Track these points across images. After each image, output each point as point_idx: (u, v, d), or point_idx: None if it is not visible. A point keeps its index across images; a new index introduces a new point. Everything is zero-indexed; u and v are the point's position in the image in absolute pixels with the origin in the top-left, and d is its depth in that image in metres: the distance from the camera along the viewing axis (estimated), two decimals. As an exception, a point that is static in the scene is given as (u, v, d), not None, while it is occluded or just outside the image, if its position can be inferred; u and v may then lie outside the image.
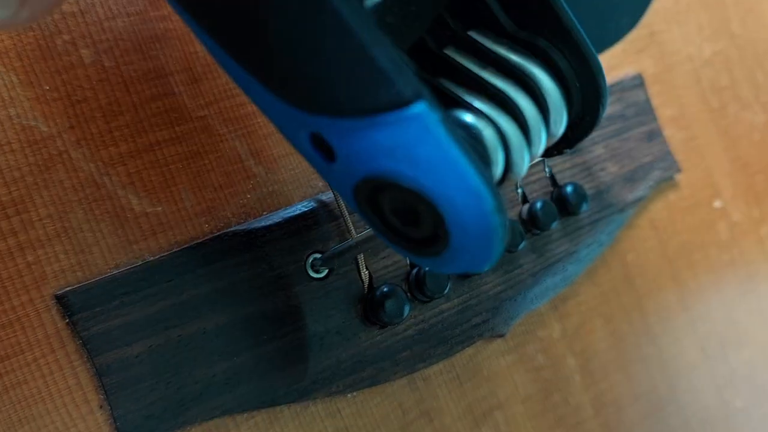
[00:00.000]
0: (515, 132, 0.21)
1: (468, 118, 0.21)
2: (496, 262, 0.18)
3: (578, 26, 0.22)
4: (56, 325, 0.25)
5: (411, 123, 0.16)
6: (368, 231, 0.26)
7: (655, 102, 0.40)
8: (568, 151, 0.24)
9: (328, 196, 0.29)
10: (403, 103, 0.16)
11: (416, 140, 0.16)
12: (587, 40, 0.22)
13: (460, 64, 0.22)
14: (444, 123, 0.16)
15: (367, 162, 0.17)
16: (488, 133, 0.20)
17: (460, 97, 0.21)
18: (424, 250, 0.19)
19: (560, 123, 0.22)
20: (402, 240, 0.19)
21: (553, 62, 0.22)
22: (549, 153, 0.24)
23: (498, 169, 0.21)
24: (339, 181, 0.19)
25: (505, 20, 0.22)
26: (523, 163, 0.21)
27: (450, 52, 0.22)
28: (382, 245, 0.29)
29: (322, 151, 0.19)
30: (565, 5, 0.22)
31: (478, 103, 0.21)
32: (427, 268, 0.27)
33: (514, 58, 0.22)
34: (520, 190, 0.33)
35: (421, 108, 0.16)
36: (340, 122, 0.17)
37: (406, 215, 0.18)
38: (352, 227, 0.28)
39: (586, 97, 0.22)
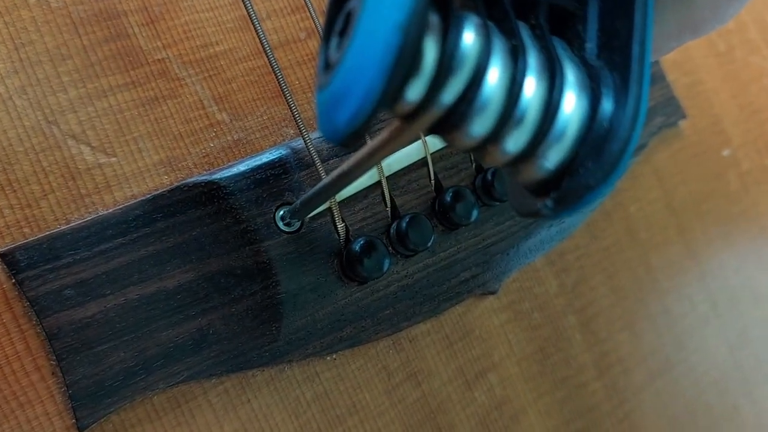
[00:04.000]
0: (498, 91, 0.17)
1: (470, 29, 0.17)
2: (370, 109, 0.15)
3: (645, 83, 0.18)
4: (2, 286, 0.23)
5: None
6: (338, 171, 0.23)
7: (658, 44, 0.38)
8: (551, 204, 0.18)
9: (298, 143, 0.26)
10: None
11: None
12: (645, 100, 0.18)
13: (514, 18, 0.18)
14: None
15: None
16: (470, 56, 0.17)
17: (483, 14, 0.18)
18: (324, 79, 0.16)
19: (558, 147, 0.18)
20: (324, 62, 0.17)
21: (598, 95, 0.18)
22: (529, 205, 0.19)
23: (448, 96, 0.17)
24: None
25: (592, 48, 0.19)
26: (480, 129, 0.17)
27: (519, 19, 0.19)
28: (359, 196, 0.27)
29: None
30: (647, 59, 0.18)
31: (495, 37, 0.18)
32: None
33: (564, 60, 0.18)
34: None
35: None
36: None
37: (345, 26, 0.17)
38: (324, 175, 0.26)
39: (605, 142, 0.17)
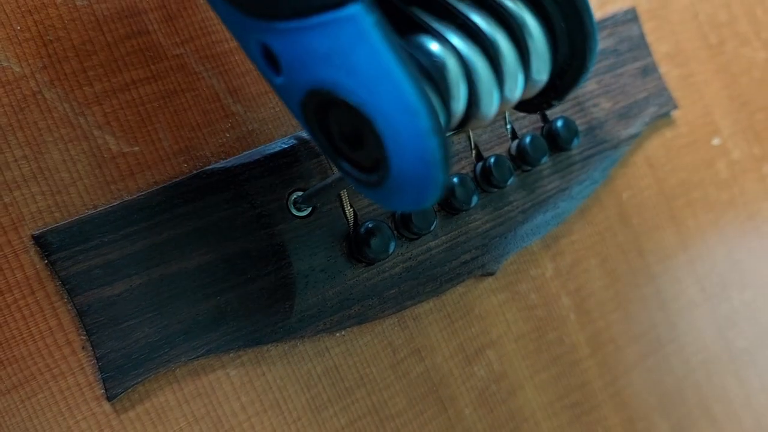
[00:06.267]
0: (484, 67, 0.20)
1: (432, 45, 0.20)
2: (439, 195, 0.17)
3: None
4: (35, 267, 0.25)
5: (345, 25, 0.16)
6: None
7: (651, 38, 0.39)
8: (556, 102, 0.22)
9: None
10: (338, 3, 0.16)
11: (351, 44, 0.16)
12: None
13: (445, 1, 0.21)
14: (380, 27, 0.16)
15: (308, 71, 0.17)
16: (451, 64, 0.19)
17: (428, 24, 0.20)
18: (370, 179, 0.18)
19: (543, 67, 0.21)
20: (352, 167, 0.19)
21: (537, 1, 0.21)
22: (537, 105, 0.23)
23: (459, 105, 0.20)
24: (289, 97, 0.19)
25: None
26: (491, 103, 0.20)
27: None
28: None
29: (269, 63, 0.18)
30: None
31: (447, 33, 0.20)
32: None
33: None
34: (509, 126, 0.32)
35: (355, 9, 0.16)
36: (279, 26, 0.17)
37: (352, 137, 0.18)
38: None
39: (573, 39, 0.21)
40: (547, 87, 0.22)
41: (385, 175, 0.17)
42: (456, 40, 0.20)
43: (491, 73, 0.20)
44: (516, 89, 0.21)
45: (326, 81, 0.17)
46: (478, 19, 0.20)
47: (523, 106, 0.23)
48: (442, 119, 0.19)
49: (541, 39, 0.21)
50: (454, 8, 0.20)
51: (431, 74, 0.19)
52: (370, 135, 0.17)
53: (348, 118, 0.18)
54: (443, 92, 0.19)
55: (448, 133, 0.30)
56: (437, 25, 0.20)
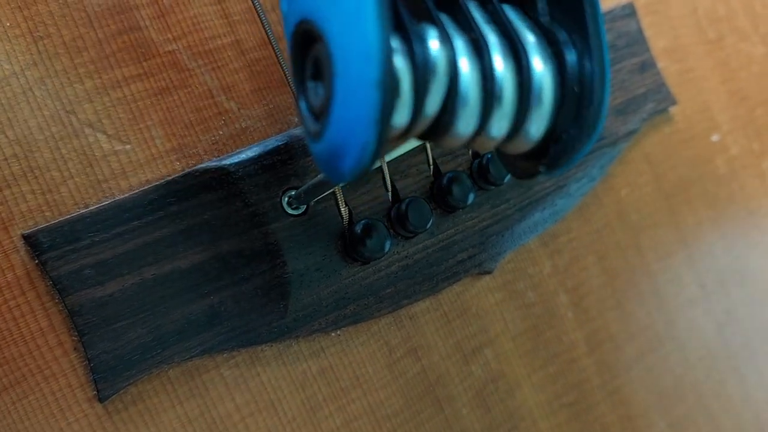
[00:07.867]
0: (473, 81, 0.19)
1: (432, 36, 0.19)
2: (367, 162, 0.17)
3: (602, 33, 0.19)
4: (26, 267, 0.24)
5: None
6: None
7: (649, 33, 0.39)
8: (544, 170, 0.20)
9: (302, 130, 0.28)
10: None
11: None
12: (606, 51, 0.19)
13: (466, 6, 0.20)
14: None
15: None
16: (441, 63, 0.18)
17: (439, 21, 0.20)
18: (314, 128, 0.18)
19: (539, 118, 0.19)
20: (307, 109, 0.19)
21: (561, 55, 0.19)
22: (525, 170, 0.20)
23: (432, 105, 0.19)
24: (288, 30, 0.19)
25: (543, 6, 0.20)
26: (467, 125, 0.19)
27: None
28: (362, 180, 0.29)
29: None
30: (598, 9, 0.20)
31: (455, 39, 0.19)
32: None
33: (522, 31, 0.19)
34: (505, 123, 0.32)
35: None
36: None
37: (316, 71, 0.18)
38: (328, 161, 0.27)
39: (581, 109, 0.19)
40: (537, 148, 0.20)
41: (325, 123, 0.17)
42: (461, 50, 0.19)
43: (479, 98, 0.19)
44: (501, 130, 0.19)
45: (313, 10, 0.17)
46: (492, 39, 0.19)
47: (513, 166, 0.22)
48: (408, 107, 0.18)
49: (549, 101, 0.19)
50: (473, 20, 0.19)
51: (416, 61, 0.18)
52: (327, 75, 0.17)
53: (321, 56, 0.18)
54: (419, 83, 0.18)
55: (416, 141, 0.29)
56: (450, 30, 0.19)
